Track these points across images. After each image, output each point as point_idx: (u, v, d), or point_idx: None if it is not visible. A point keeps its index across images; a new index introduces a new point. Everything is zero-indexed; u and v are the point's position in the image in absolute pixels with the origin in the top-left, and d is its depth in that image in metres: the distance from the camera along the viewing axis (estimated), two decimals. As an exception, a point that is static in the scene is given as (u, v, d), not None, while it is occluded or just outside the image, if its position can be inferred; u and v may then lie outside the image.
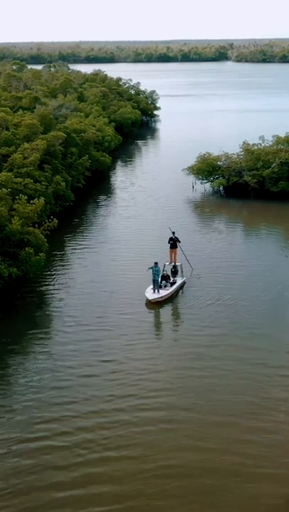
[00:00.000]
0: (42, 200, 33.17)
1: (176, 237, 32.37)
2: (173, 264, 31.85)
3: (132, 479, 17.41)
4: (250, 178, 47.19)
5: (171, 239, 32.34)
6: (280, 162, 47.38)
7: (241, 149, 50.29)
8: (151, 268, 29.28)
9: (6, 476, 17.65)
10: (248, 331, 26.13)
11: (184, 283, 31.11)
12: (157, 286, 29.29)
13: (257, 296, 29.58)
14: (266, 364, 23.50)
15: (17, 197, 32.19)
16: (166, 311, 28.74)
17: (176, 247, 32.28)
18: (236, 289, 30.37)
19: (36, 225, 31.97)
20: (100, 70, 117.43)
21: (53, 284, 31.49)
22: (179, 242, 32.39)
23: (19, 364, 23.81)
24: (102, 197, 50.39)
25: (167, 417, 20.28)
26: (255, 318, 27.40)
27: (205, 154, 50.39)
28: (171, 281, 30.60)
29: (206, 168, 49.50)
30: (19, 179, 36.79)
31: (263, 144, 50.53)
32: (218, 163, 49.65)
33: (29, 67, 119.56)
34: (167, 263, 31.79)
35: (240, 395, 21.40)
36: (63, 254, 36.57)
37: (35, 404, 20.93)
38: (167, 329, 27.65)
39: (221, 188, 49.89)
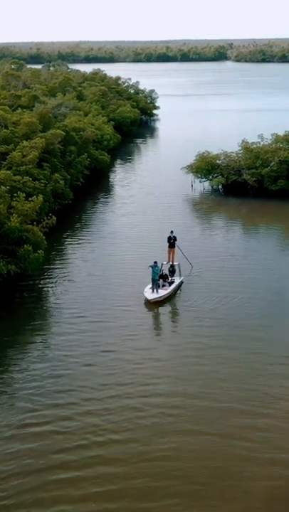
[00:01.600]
0: (40, 197, 33.16)
1: (174, 236, 32.22)
2: (171, 263, 31.66)
3: (134, 461, 17.86)
4: (249, 177, 47.17)
5: (169, 238, 32.20)
6: (279, 160, 47.36)
7: (240, 148, 50.26)
8: (151, 266, 29.13)
9: (9, 458, 17.97)
10: (247, 323, 26.51)
11: (181, 282, 30.94)
12: (156, 285, 29.10)
13: (256, 291, 29.64)
14: (266, 354, 23.93)
15: (15, 194, 32.19)
16: (165, 306, 28.77)
17: (174, 246, 32.09)
18: (235, 285, 30.41)
19: (35, 223, 31.99)
20: (99, 70, 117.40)
21: (52, 281, 31.50)
22: (176, 241, 32.17)
23: (20, 356, 24.15)
24: (101, 195, 50.40)
25: (168, 403, 20.72)
26: (255, 311, 27.60)
27: (204, 153, 50.36)
28: (169, 280, 30.42)
29: (205, 167, 49.48)
30: (18, 177, 36.78)
31: (262, 143, 50.53)
32: (217, 161, 49.61)
33: (28, 66, 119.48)
34: (165, 262, 31.61)
35: (240, 383, 21.85)
36: (62, 251, 36.59)
37: (37, 392, 21.41)
38: (167, 321, 28.03)
39: (220, 187, 49.87)
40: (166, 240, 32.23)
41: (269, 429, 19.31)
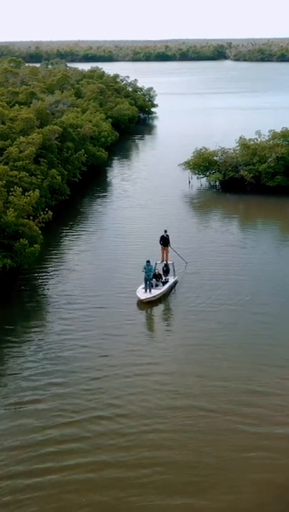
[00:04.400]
0: (37, 192, 33.11)
1: (167, 236, 31.58)
2: (165, 262, 31.09)
3: (129, 433, 18.77)
4: (246, 173, 47.16)
5: (162, 237, 31.56)
6: (276, 157, 47.35)
7: (238, 144, 50.24)
8: (144, 267, 28.55)
9: (7, 434, 18.87)
10: (247, 314, 26.97)
11: (176, 282, 30.32)
12: (149, 285, 28.45)
13: (254, 286, 29.68)
14: (263, 338, 24.55)
15: (12, 189, 32.15)
16: (161, 301, 28.66)
17: (168, 245, 31.45)
18: (233, 280, 30.42)
19: (31, 218, 31.96)
20: (97, 67, 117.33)
21: (48, 275, 31.57)
22: (169, 241, 31.42)
23: (18, 344, 24.62)
24: (98, 191, 50.41)
25: (166, 380, 21.62)
26: (254, 305, 27.80)
27: (201, 149, 50.36)
28: (163, 280, 29.79)
29: (202, 163, 49.47)
30: (15, 172, 36.68)
31: (259, 139, 50.50)
32: (215, 158, 49.61)
33: (27, 65, 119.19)
34: (159, 262, 31.08)
35: (237, 362, 22.67)
36: (58, 246, 36.62)
37: (41, 371, 22.24)
38: (164, 311, 28.26)
39: (218, 183, 49.84)
40: (159, 239, 31.56)
41: (263, 405, 20.09)
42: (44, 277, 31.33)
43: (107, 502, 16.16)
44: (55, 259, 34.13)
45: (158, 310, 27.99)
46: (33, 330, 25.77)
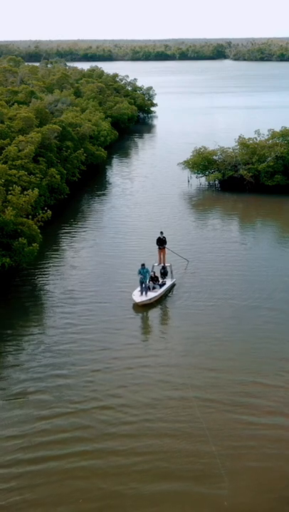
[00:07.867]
0: (36, 191, 33.08)
1: (163, 237, 31.17)
2: (162, 265, 30.63)
3: (130, 412, 19.59)
4: (245, 172, 47.13)
5: (159, 239, 31.16)
6: (276, 156, 47.31)
7: (237, 143, 50.21)
8: (139, 270, 28.29)
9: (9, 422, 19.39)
10: (244, 302, 27.70)
11: (173, 284, 29.82)
12: (145, 288, 28.08)
13: (254, 285, 29.67)
14: (264, 332, 24.85)
15: (11, 188, 32.10)
16: (160, 299, 28.62)
17: (164, 247, 31.05)
18: (232, 279, 30.41)
19: (30, 217, 31.94)
20: (96, 67, 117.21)
21: (47, 274, 31.55)
22: (165, 243, 31.04)
23: (18, 340, 24.79)
24: (97, 190, 50.34)
25: (165, 368, 22.15)
26: (254, 304, 27.81)
27: (201, 148, 50.31)
28: (160, 282, 29.30)
29: (201, 162, 49.43)
30: (13, 171, 36.64)
31: (258, 138, 50.46)
32: (214, 157, 49.56)
33: (26, 64, 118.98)
34: (156, 264, 30.73)
35: (238, 354, 23.11)
36: (58, 245, 36.57)
37: (43, 364, 22.56)
38: (164, 304, 28.34)
39: (217, 182, 49.81)
40: (156, 241, 31.14)
41: (263, 397, 20.44)
42: (44, 275, 31.35)
43: (108, 488, 16.35)
44: (55, 258, 34.12)
45: (159, 305, 28.00)
46: (33, 325, 26.01)
